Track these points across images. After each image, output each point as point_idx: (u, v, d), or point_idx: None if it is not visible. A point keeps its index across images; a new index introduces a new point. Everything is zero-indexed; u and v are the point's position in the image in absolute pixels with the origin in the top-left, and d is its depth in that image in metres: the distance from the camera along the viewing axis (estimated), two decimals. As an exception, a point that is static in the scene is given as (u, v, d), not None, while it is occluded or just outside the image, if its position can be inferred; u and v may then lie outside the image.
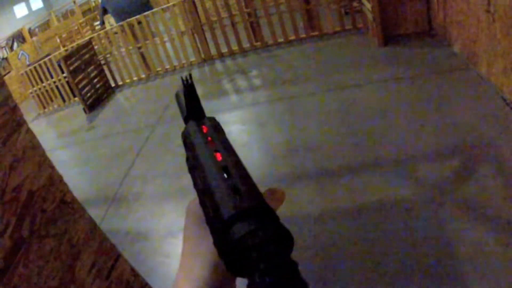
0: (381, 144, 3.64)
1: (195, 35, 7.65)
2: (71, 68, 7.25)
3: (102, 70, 8.17)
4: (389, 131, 3.78)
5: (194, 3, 7.40)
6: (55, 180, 1.69)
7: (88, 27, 14.33)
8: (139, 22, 7.84)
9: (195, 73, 7.37)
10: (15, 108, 1.61)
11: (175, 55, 7.88)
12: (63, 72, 7.72)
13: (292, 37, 7.04)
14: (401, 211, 2.85)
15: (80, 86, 7.38)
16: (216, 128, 0.53)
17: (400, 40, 5.46)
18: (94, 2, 20.87)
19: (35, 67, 8.23)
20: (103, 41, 8.35)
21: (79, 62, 7.51)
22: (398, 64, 4.94)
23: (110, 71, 8.35)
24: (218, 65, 7.54)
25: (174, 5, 7.57)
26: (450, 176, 3.05)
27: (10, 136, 1.54)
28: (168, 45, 7.86)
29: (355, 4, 6.46)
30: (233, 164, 0.44)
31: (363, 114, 4.20)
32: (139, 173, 4.70)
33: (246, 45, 7.44)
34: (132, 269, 2.07)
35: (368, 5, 5.45)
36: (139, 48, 8.03)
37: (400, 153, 3.44)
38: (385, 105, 4.21)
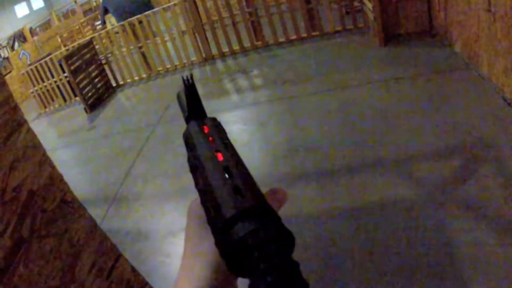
0: (382, 144, 3.64)
1: (196, 34, 7.65)
2: (72, 67, 7.26)
3: (103, 70, 8.17)
4: (389, 131, 3.78)
5: (195, 2, 7.40)
6: (55, 180, 1.70)
7: (89, 27, 14.35)
8: (140, 22, 7.84)
9: (196, 73, 7.38)
10: (15, 108, 1.61)
11: (176, 54, 7.89)
12: (64, 72, 7.72)
13: (293, 37, 7.04)
14: (401, 211, 2.85)
15: (81, 85, 7.38)
16: (218, 128, 0.53)
17: (401, 40, 5.46)
18: (95, 1, 20.90)
19: (36, 67, 8.24)
20: (104, 40, 8.35)
21: (80, 61, 7.51)
22: (399, 64, 4.94)
23: (111, 71, 8.35)
24: (219, 64, 7.54)
25: (175, 4, 7.58)
26: (450, 176, 3.05)
27: (11, 136, 1.54)
28: (169, 44, 7.86)
29: (356, 3, 6.46)
30: (234, 164, 0.44)
31: (364, 114, 4.20)
32: (140, 172, 4.70)
33: (247, 44, 7.44)
34: (133, 269, 2.07)
35: (369, 5, 5.45)
36: (140, 47, 8.04)
37: (400, 153, 3.44)
38: (386, 105, 4.20)
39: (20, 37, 15.02)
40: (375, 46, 5.58)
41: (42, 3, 29.24)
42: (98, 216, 3.88)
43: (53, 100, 8.56)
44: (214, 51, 7.73)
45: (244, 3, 7.15)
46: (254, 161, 4.02)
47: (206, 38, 7.68)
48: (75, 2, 19.60)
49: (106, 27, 9.71)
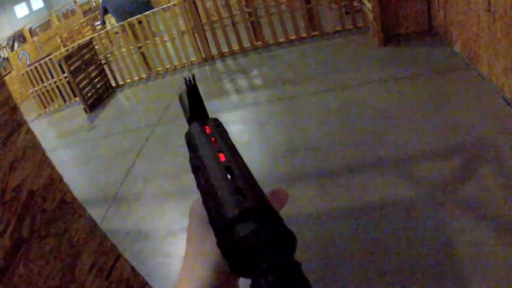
0: (381, 144, 3.64)
1: (196, 34, 7.65)
2: (71, 68, 7.25)
3: (103, 70, 8.17)
4: (389, 131, 3.78)
5: (194, 2, 7.40)
6: (55, 180, 1.69)
7: (88, 27, 14.34)
8: (140, 22, 7.84)
9: (196, 73, 7.37)
10: (15, 108, 1.61)
11: (175, 54, 7.88)
12: (63, 72, 7.72)
13: (293, 37, 7.04)
14: (401, 211, 2.85)
15: (80, 86, 7.38)
16: (219, 129, 0.53)
17: (401, 40, 5.46)
18: (95, 1, 20.90)
19: (35, 67, 8.23)
20: (103, 40, 8.35)
21: (79, 62, 7.51)
22: (399, 64, 4.94)
23: (111, 71, 8.35)
24: (219, 64, 7.55)
25: (174, 4, 7.57)
26: (450, 176, 3.05)
27: (10, 136, 1.54)
28: (168, 44, 7.86)
29: (355, 3, 6.46)
30: (236, 164, 0.45)
31: (364, 113, 4.20)
32: (140, 172, 4.70)
33: (246, 44, 7.44)
34: (133, 269, 2.07)
35: (369, 5, 5.45)
36: (140, 47, 8.04)
37: (400, 153, 3.44)
38: (386, 105, 4.20)
39: (19, 37, 15.02)
40: (375, 46, 5.59)
41: (41, 4, 29.25)
42: (98, 216, 3.87)
43: (52, 101, 8.56)
44: (214, 51, 7.73)
45: (243, 3, 7.15)
46: (254, 161, 4.02)
47: (206, 38, 7.68)
48: (75, 2, 19.60)
49: (105, 27, 9.71)
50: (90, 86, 7.65)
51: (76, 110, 7.88)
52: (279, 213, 0.39)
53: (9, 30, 19.15)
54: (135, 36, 8.06)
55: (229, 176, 0.43)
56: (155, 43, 7.94)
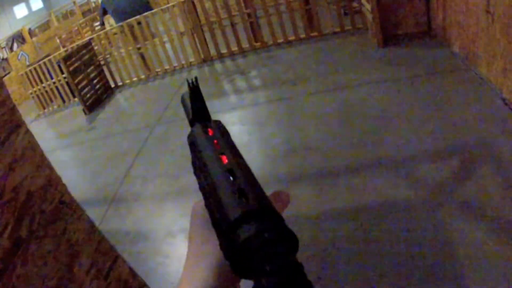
0: (381, 144, 3.64)
1: (195, 35, 7.65)
2: (70, 68, 7.25)
3: (102, 71, 8.17)
4: (388, 131, 3.78)
5: (193, 3, 7.40)
6: (53, 181, 1.69)
7: (88, 28, 14.33)
8: (139, 23, 7.84)
9: (195, 74, 7.37)
10: (13, 109, 1.61)
11: (174, 55, 7.89)
12: (62, 73, 7.72)
13: (292, 38, 7.04)
14: (400, 211, 2.85)
15: (79, 86, 7.38)
16: (222, 130, 0.53)
17: (400, 41, 5.47)
18: (94, 2, 20.89)
19: (35, 68, 8.23)
20: (103, 41, 8.35)
21: (78, 62, 7.51)
22: (398, 65, 4.94)
23: (110, 72, 8.35)
24: (218, 65, 7.55)
25: (173, 5, 7.57)
26: (449, 176, 3.05)
27: (9, 137, 1.54)
28: (167, 45, 7.86)
29: (354, 4, 6.46)
30: (238, 166, 0.45)
31: (363, 114, 4.20)
32: (139, 173, 4.70)
33: (245, 45, 7.44)
34: (131, 270, 2.07)
35: (368, 6, 5.45)
36: (139, 48, 8.04)
37: (399, 153, 3.44)
38: (385, 106, 4.21)
39: (19, 38, 15.01)
40: (374, 47, 5.59)
41: (41, 4, 29.25)
42: (97, 217, 3.87)
43: (52, 101, 8.55)
44: (213, 52, 7.73)
45: (242, 4, 7.16)
46: (253, 161, 4.01)
47: (205, 39, 7.68)
48: (74, 3, 19.60)
49: (105, 28, 9.70)
50: (89, 87, 7.65)
51: (75, 110, 7.88)
52: (281, 214, 0.39)
53: (8, 31, 19.18)
54: (134, 37, 8.05)
55: (231, 178, 0.43)
56: (154, 44, 7.94)
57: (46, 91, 8.38)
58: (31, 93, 8.55)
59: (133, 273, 2.07)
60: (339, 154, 3.72)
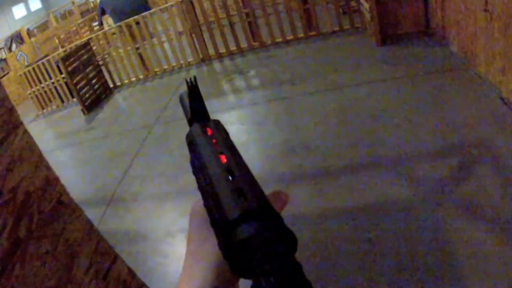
0: (379, 143, 3.64)
1: (193, 35, 7.65)
2: (69, 68, 7.25)
3: (100, 71, 8.16)
4: (387, 130, 3.78)
5: (192, 3, 7.40)
6: (51, 181, 1.69)
7: (86, 28, 14.32)
8: (137, 23, 7.83)
9: (193, 73, 7.37)
10: (12, 110, 1.61)
11: (173, 55, 7.88)
12: (61, 73, 7.71)
13: (290, 37, 7.04)
14: (400, 211, 2.85)
15: (78, 86, 7.37)
16: (221, 130, 0.53)
17: (398, 40, 5.47)
18: (93, 2, 20.88)
19: (33, 68, 8.22)
20: (101, 41, 8.34)
21: (77, 62, 7.50)
22: (396, 64, 4.95)
23: (108, 72, 8.35)
24: (216, 65, 7.54)
25: (172, 5, 7.57)
26: (448, 175, 3.05)
27: (7, 138, 1.54)
28: (166, 45, 7.86)
29: (353, 3, 6.46)
30: (237, 166, 0.45)
31: (361, 113, 4.20)
32: (138, 173, 4.70)
33: (244, 45, 7.44)
34: (130, 270, 2.07)
35: (366, 5, 5.45)
36: (137, 48, 8.03)
37: (398, 153, 3.44)
38: (383, 105, 4.21)
39: (17, 38, 15.00)
40: (372, 46, 5.59)
41: (39, 4, 29.21)
42: (96, 217, 3.87)
43: (50, 101, 8.55)
44: (211, 51, 7.73)
45: (241, 4, 7.15)
46: (252, 161, 4.01)
47: (203, 39, 7.68)
48: (73, 3, 19.58)
49: (103, 28, 9.70)
50: (88, 87, 7.65)
51: (74, 111, 7.87)
52: (279, 214, 0.39)
53: (7, 31, 19.16)
54: (132, 37, 8.05)
55: (230, 178, 0.43)
56: (152, 44, 7.93)
57: (45, 91, 8.37)
58: (30, 94, 8.54)
59: (132, 273, 2.07)
60: (338, 153, 3.72)
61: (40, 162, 1.66)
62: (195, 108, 0.55)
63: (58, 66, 7.69)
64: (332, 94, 4.84)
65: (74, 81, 7.30)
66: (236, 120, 5.09)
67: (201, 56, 7.79)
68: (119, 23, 8.13)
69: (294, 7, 6.79)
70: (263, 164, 3.98)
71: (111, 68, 8.36)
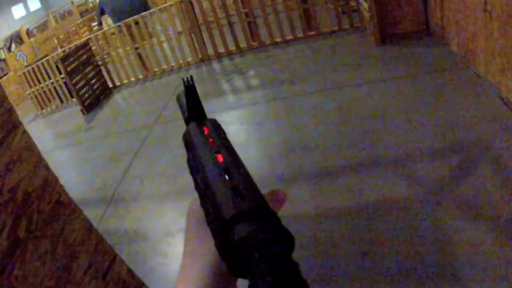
0: (379, 143, 3.64)
1: (192, 35, 7.64)
2: (68, 69, 7.24)
3: (100, 71, 8.16)
4: (387, 130, 3.78)
5: (191, 3, 7.40)
6: (50, 181, 1.69)
7: (85, 28, 14.32)
8: (137, 23, 7.83)
9: (193, 73, 7.36)
10: (11, 110, 1.61)
11: (172, 55, 7.88)
12: (60, 73, 7.71)
13: (290, 37, 7.04)
14: (399, 211, 2.85)
15: (77, 86, 7.37)
16: (218, 129, 0.53)
17: (398, 39, 5.47)
18: (92, 2, 20.87)
19: (33, 68, 8.22)
20: (100, 41, 8.34)
21: (76, 63, 7.50)
22: (396, 63, 4.94)
23: (108, 72, 8.34)
24: (216, 65, 7.54)
25: (171, 5, 7.57)
26: (448, 175, 3.05)
27: (6, 138, 1.54)
28: (165, 45, 7.86)
29: (352, 3, 6.46)
30: (234, 165, 0.45)
31: (361, 113, 4.20)
32: (137, 173, 4.70)
33: (243, 45, 7.44)
34: (129, 270, 2.06)
35: (365, 4, 5.45)
36: (137, 48, 8.03)
37: (398, 153, 3.44)
38: (383, 104, 4.21)
39: (17, 38, 15.00)
40: (372, 45, 5.59)
41: (39, 4, 29.21)
42: (95, 217, 3.87)
43: (50, 102, 8.54)
44: (210, 51, 7.72)
45: (240, 4, 7.15)
46: (251, 161, 4.01)
47: (202, 39, 7.68)
48: (72, 3, 19.57)
49: (102, 28, 9.70)
50: (87, 87, 7.64)
51: (73, 111, 7.87)
52: (277, 214, 0.39)
53: (6, 31, 19.14)
54: (131, 36, 8.05)
55: (227, 177, 0.43)
56: (151, 44, 7.93)
57: (44, 92, 8.37)
58: (29, 94, 8.54)
59: (131, 273, 2.07)
60: (337, 153, 3.72)
61: (39, 162, 1.66)
62: (192, 107, 0.55)
63: (57, 66, 7.69)
64: (332, 93, 4.84)
65: (74, 81, 7.30)
66: (236, 120, 5.08)
67: (200, 56, 7.79)
68: (118, 23, 8.13)
69: (293, 7, 6.79)
70: (263, 164, 3.98)
71: (111, 68, 8.35)
